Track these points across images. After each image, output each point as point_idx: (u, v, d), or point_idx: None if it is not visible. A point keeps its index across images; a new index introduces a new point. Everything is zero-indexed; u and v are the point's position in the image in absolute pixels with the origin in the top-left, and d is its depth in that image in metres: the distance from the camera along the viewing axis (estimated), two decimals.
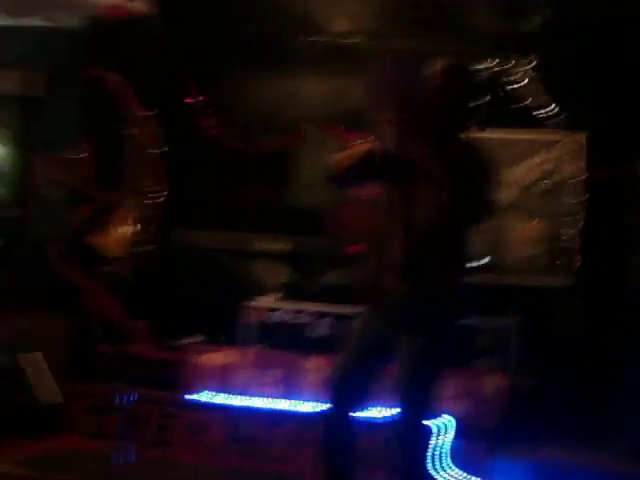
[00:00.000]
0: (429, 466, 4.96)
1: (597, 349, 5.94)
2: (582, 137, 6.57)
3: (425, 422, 4.07)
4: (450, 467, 5.15)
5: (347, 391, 3.99)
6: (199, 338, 6.40)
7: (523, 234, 6.69)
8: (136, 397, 4.96)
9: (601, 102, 6.38)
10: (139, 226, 6.75)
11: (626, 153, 6.31)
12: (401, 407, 3.90)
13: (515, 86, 6.65)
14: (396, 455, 3.94)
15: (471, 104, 3.85)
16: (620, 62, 6.41)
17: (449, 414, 5.37)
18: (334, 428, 3.99)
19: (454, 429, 5.27)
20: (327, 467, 3.98)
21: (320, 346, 5.97)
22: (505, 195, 6.69)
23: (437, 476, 5.05)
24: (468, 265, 4.10)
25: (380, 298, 3.92)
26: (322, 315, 6.14)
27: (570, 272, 6.54)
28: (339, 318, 6.03)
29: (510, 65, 6.67)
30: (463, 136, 3.89)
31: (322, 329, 6.11)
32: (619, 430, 5.38)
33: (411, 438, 3.91)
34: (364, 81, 3.97)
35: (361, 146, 3.92)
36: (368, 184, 4.01)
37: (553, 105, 6.60)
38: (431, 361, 3.90)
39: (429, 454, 4.98)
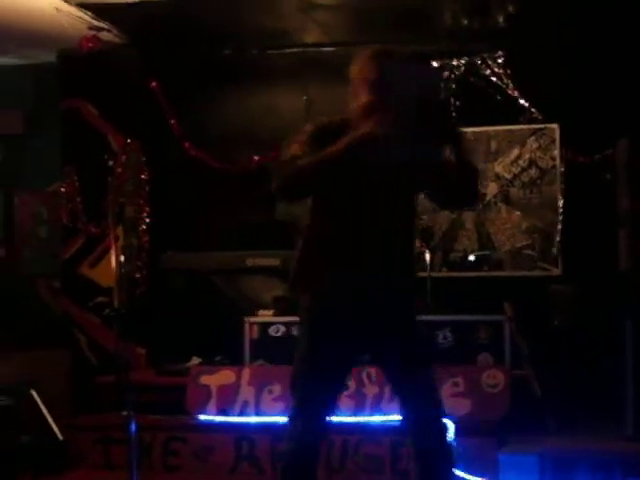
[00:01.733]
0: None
1: (592, 335, 5.98)
2: (555, 128, 6.65)
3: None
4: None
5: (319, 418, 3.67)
6: (197, 360, 6.42)
7: (509, 227, 6.74)
8: (140, 425, 4.97)
9: (572, 93, 6.45)
10: (129, 254, 6.77)
11: (600, 141, 6.38)
12: (426, 412, 3.63)
13: (486, 82, 6.71)
14: (418, 459, 3.67)
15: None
16: (588, 52, 6.48)
17: (452, 412, 5.40)
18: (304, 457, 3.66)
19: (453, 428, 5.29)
20: None
21: None
22: (487, 190, 6.76)
23: None
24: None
25: (356, 306, 3.60)
26: None
27: (558, 261, 6.60)
28: None
29: (480, 61, 6.73)
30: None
31: None
32: (621, 414, 5.41)
33: (444, 439, 3.70)
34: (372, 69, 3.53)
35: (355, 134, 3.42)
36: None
37: (524, 99, 6.67)
38: (429, 356, 3.73)
39: None
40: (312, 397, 3.63)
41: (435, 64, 4.28)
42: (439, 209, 3.87)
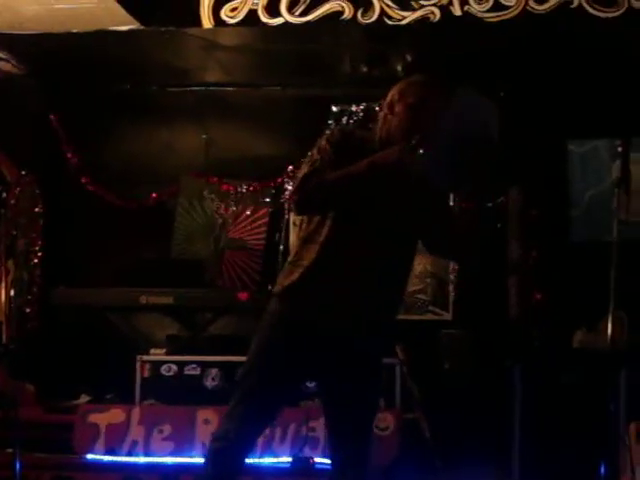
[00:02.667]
0: None
1: (483, 381, 6.08)
2: None
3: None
4: None
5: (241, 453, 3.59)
6: (86, 398, 6.33)
7: None
8: (25, 463, 4.87)
9: None
10: (19, 288, 6.66)
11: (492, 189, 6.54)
12: (359, 452, 3.58)
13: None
14: None
15: None
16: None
17: None
18: None
19: None
20: None
21: (211, 398, 5.97)
22: None
23: None
24: None
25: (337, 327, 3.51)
26: (210, 366, 6.13)
27: (449, 306, 6.71)
28: (228, 368, 6.04)
29: (378, 107, 6.85)
30: None
31: (211, 380, 6.11)
32: (509, 456, 5.50)
33: None
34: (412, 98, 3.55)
35: (384, 155, 3.42)
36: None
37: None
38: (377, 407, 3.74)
39: None
40: (253, 401, 3.55)
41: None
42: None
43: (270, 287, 6.51)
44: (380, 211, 3.51)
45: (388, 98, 3.62)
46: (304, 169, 3.54)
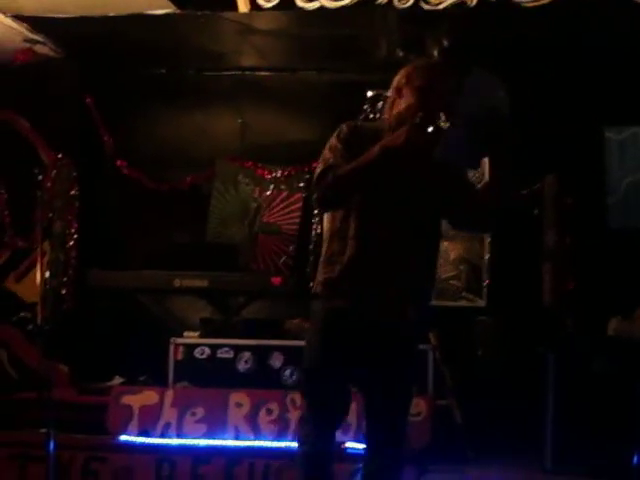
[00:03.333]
0: None
1: (516, 368, 6.06)
2: (485, 162, 6.72)
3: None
4: None
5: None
6: (119, 380, 6.37)
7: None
8: (59, 443, 4.92)
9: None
10: (55, 270, 6.71)
11: (528, 176, 6.49)
12: (394, 437, 3.73)
13: None
14: None
15: None
16: (520, 87, 6.58)
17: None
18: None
19: None
20: None
21: (243, 381, 5.99)
22: None
23: None
24: None
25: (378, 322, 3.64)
26: (243, 349, 6.15)
27: (483, 293, 6.68)
28: (260, 352, 6.06)
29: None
30: None
31: (244, 364, 6.12)
32: (542, 444, 5.48)
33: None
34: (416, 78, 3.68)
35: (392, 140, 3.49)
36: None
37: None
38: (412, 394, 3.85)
39: None
40: (321, 403, 3.72)
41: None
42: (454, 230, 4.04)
43: (306, 271, 6.59)
44: (400, 193, 3.58)
45: (395, 82, 3.72)
46: (319, 167, 3.63)
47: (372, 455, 3.79)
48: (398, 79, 3.73)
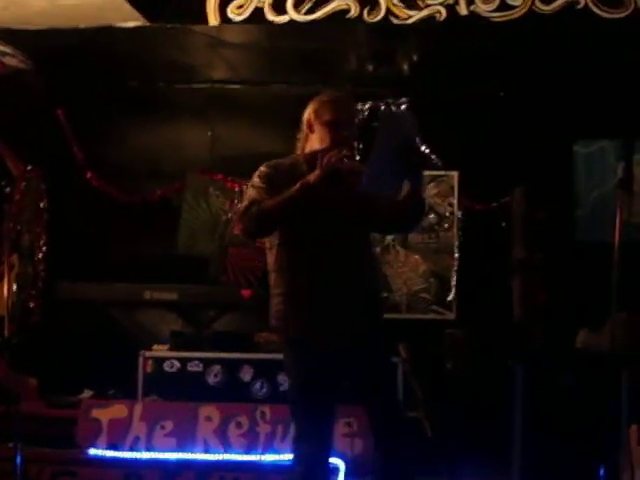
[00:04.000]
0: None
1: (485, 381, 6.08)
2: (455, 175, 6.79)
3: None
4: None
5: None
6: (89, 393, 6.34)
7: (406, 270, 6.83)
8: (27, 457, 4.89)
9: (471, 142, 6.60)
10: (23, 282, 6.67)
11: (497, 189, 6.54)
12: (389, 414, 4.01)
13: None
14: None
15: None
16: (487, 102, 6.65)
17: (343, 453, 5.44)
18: None
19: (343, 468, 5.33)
20: None
21: (213, 394, 5.98)
22: None
23: None
24: None
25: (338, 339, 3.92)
26: (213, 363, 6.14)
27: (453, 305, 6.71)
28: (230, 365, 6.05)
29: (384, 106, 6.85)
30: None
31: (214, 377, 6.12)
32: (510, 457, 5.50)
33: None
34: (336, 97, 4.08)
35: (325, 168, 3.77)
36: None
37: (425, 146, 6.80)
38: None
39: None
40: (309, 422, 3.93)
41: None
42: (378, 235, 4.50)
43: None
44: (324, 223, 3.89)
45: (305, 117, 4.05)
46: (244, 202, 3.93)
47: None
48: (307, 114, 4.05)
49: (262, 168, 4.00)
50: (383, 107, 4.03)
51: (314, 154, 3.89)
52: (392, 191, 3.86)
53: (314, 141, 3.99)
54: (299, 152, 4.07)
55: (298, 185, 3.77)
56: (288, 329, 3.96)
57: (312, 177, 3.76)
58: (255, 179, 3.97)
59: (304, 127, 4.05)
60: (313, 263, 3.89)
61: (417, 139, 3.80)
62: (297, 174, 3.87)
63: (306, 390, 3.94)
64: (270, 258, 4.04)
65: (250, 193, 3.93)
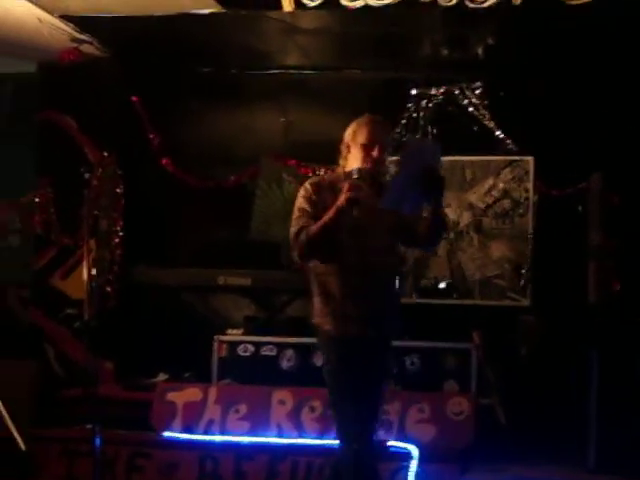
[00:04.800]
0: None
1: (559, 367, 6.03)
2: (530, 160, 6.71)
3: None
4: None
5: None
6: (164, 376, 6.41)
7: (480, 256, 6.78)
8: (104, 439, 4.97)
9: (547, 126, 6.52)
10: (100, 267, 6.76)
11: (573, 175, 6.45)
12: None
13: (463, 111, 6.78)
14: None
15: None
16: (565, 87, 6.56)
17: (416, 438, 5.44)
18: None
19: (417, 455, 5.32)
20: None
21: (286, 378, 6.02)
22: (460, 219, 6.80)
23: None
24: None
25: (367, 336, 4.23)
26: (286, 347, 6.18)
27: (527, 292, 6.64)
28: (303, 350, 6.08)
29: (458, 91, 6.80)
30: None
31: (287, 361, 6.15)
32: (585, 444, 5.45)
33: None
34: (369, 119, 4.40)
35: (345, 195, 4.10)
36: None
37: (500, 131, 6.74)
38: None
39: None
40: (349, 418, 4.14)
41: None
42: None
43: None
44: (359, 235, 4.25)
45: (345, 138, 4.40)
46: (293, 228, 4.28)
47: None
48: (347, 135, 4.41)
49: (306, 185, 4.37)
50: (406, 138, 4.63)
51: (349, 173, 4.25)
52: (411, 210, 4.25)
53: (352, 160, 4.34)
54: (340, 170, 4.43)
55: (333, 209, 4.14)
56: (325, 326, 4.32)
57: (339, 201, 4.12)
58: (300, 199, 4.34)
59: (343, 147, 4.40)
60: (353, 271, 4.24)
61: (438, 167, 4.14)
62: (337, 190, 4.22)
63: (339, 379, 4.22)
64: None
65: (296, 216, 4.30)
